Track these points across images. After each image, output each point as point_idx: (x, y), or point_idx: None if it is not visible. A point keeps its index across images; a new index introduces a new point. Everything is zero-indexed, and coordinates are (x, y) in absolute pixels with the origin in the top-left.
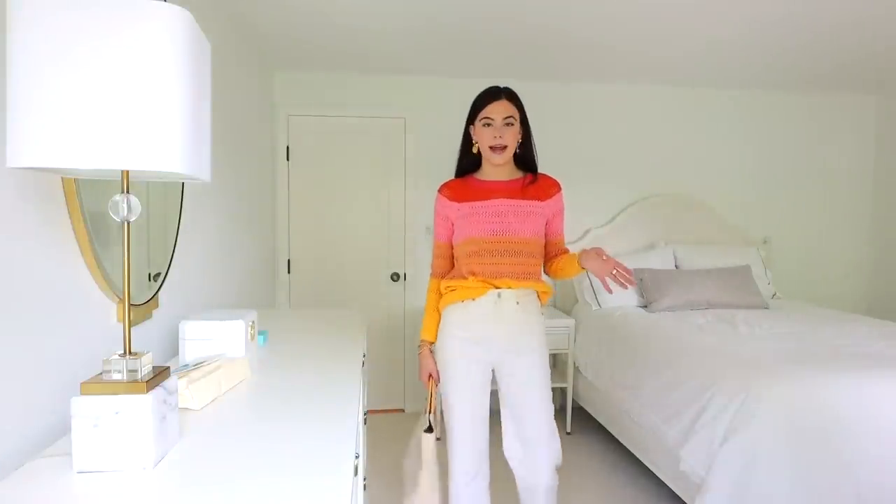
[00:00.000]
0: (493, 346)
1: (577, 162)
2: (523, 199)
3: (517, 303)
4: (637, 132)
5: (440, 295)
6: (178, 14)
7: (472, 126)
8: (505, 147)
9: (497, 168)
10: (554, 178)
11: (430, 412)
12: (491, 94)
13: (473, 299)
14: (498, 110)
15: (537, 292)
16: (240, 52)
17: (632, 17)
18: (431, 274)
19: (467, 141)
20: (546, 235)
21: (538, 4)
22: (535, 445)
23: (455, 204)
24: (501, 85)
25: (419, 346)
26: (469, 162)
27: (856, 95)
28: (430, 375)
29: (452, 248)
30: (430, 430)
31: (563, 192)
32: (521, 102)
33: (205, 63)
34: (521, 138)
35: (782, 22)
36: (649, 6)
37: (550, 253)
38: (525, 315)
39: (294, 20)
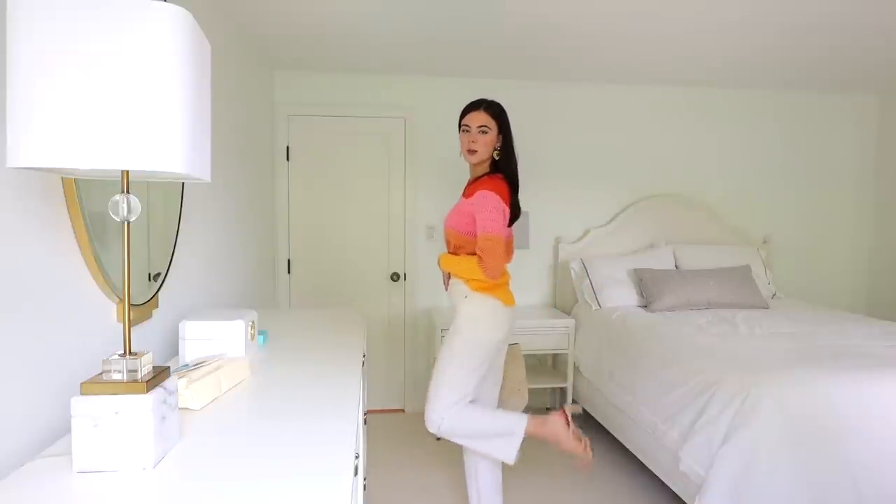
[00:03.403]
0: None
1: (578, 162)
2: (462, 196)
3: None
4: (637, 132)
5: None
6: (179, 14)
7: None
8: (476, 151)
9: (474, 170)
10: (494, 180)
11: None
12: (472, 106)
13: None
14: (474, 119)
15: (463, 279)
16: (240, 52)
17: (632, 18)
18: None
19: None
20: None
21: (539, 5)
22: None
23: None
24: (488, 98)
25: None
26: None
27: (857, 95)
28: None
29: None
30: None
31: (488, 192)
32: (501, 115)
33: (205, 63)
34: (500, 147)
35: (783, 22)
36: (650, 7)
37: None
38: (454, 293)
39: (294, 20)
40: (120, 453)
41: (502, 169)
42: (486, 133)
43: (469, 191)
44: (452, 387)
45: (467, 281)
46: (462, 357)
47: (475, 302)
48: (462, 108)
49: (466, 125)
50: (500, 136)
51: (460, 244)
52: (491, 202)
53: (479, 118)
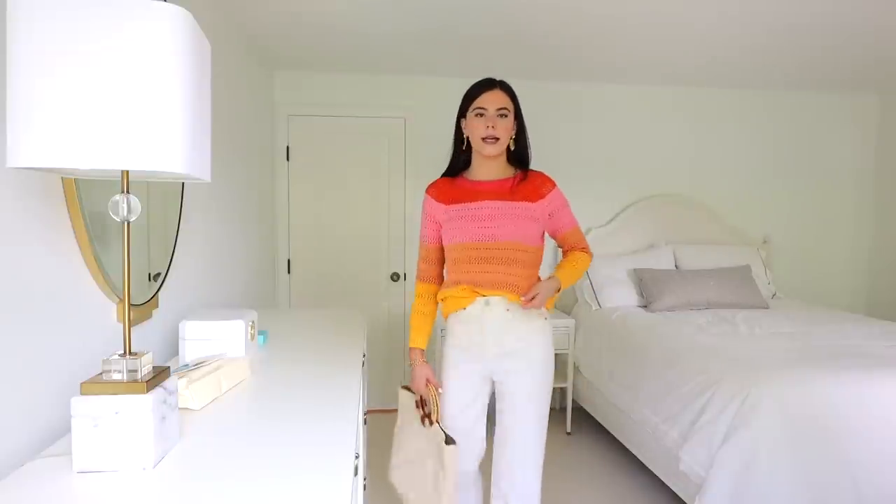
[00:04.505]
0: (485, 356)
1: (578, 162)
2: (513, 200)
3: (507, 310)
4: (637, 132)
5: (427, 299)
6: (179, 14)
7: (463, 119)
8: (497, 139)
9: (488, 165)
10: (546, 174)
11: (438, 421)
12: (485, 85)
13: (464, 308)
14: (491, 100)
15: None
16: (240, 52)
17: (632, 17)
18: (417, 277)
19: (459, 137)
20: (551, 232)
21: (538, 4)
22: (517, 468)
23: (442, 206)
24: (497, 78)
25: (410, 351)
26: (461, 161)
27: (857, 95)
28: (428, 381)
29: (440, 251)
30: (450, 441)
31: (558, 187)
32: (515, 95)
33: (205, 63)
34: (515, 133)
35: (783, 22)
36: (650, 6)
37: (564, 247)
38: (518, 323)
39: (294, 20)
40: (120, 453)
41: (525, 160)
42: (506, 116)
43: (525, 191)
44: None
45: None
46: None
47: (548, 321)
48: (469, 89)
49: (481, 108)
50: (516, 121)
51: (530, 260)
52: (564, 196)
53: (498, 99)
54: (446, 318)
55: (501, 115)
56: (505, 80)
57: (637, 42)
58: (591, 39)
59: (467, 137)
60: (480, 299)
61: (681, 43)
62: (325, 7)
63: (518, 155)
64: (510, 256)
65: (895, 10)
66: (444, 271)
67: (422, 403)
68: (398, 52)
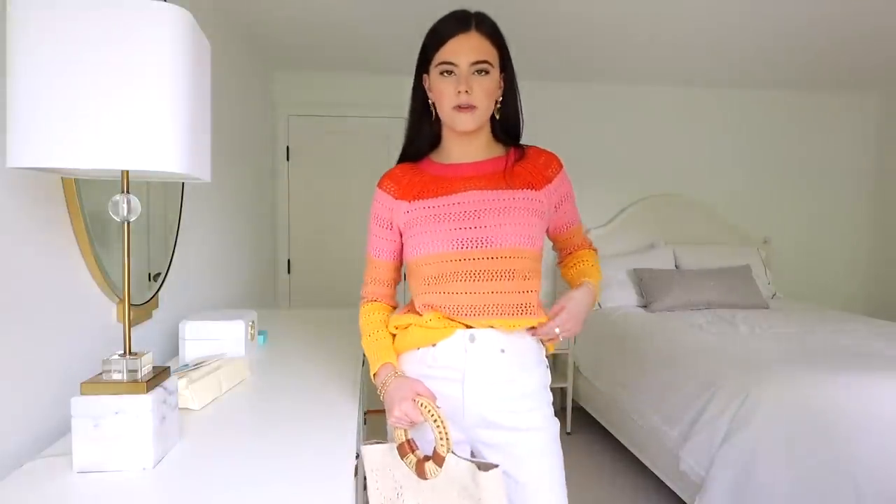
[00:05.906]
0: (465, 418)
1: (577, 162)
2: (509, 188)
3: (502, 350)
4: (637, 132)
5: (381, 316)
6: (179, 14)
7: (425, 76)
8: (475, 107)
9: (465, 142)
10: (549, 150)
11: (449, 449)
12: (455, 23)
13: (434, 345)
14: (465, 49)
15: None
16: (240, 52)
17: (632, 18)
18: (364, 298)
19: (420, 101)
20: (553, 230)
21: (538, 5)
22: None
23: (403, 203)
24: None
25: (375, 378)
26: (426, 136)
27: (857, 95)
28: (419, 395)
29: (397, 269)
30: (488, 466)
31: (564, 168)
32: (502, 38)
33: (205, 63)
34: (502, 95)
35: (783, 21)
36: (649, 6)
37: (565, 250)
38: (517, 371)
39: (294, 20)
40: (120, 453)
41: (515, 133)
42: (488, 73)
43: (525, 175)
44: None
45: (540, 327)
46: None
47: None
48: (430, 30)
49: (449, 63)
50: (503, 77)
51: (534, 269)
52: (570, 181)
53: (475, 47)
54: (398, 356)
55: (480, 71)
56: None
57: (637, 42)
58: (590, 40)
59: (433, 104)
60: (462, 332)
61: (681, 43)
62: (325, 7)
63: (506, 126)
64: (509, 268)
65: (895, 10)
66: (408, 294)
67: (409, 445)
68: (398, 52)
